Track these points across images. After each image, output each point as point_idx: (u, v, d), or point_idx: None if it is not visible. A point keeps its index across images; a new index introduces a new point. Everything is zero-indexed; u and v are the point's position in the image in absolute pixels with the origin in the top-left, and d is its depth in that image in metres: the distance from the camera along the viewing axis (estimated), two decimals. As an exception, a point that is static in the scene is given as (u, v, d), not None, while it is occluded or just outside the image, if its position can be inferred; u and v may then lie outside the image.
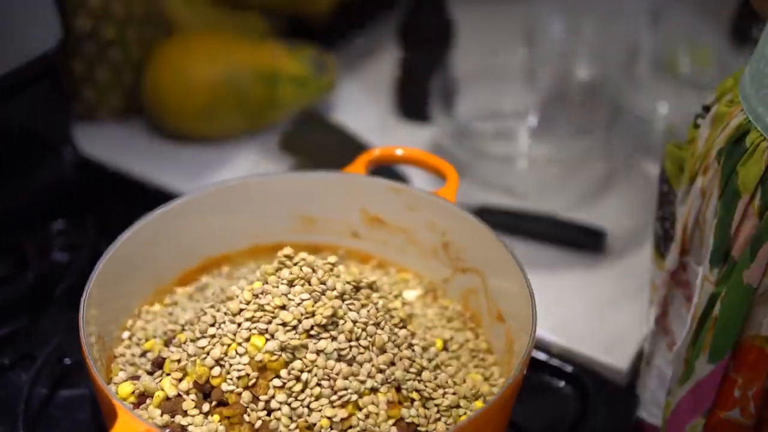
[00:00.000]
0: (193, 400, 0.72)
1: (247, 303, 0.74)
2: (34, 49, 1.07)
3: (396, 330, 0.77)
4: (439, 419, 0.74)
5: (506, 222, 1.09)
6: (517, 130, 1.22)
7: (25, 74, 1.07)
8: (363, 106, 1.29)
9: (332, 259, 0.77)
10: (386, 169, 1.08)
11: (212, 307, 0.76)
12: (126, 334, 0.82)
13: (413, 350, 0.76)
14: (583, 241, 1.08)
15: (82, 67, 1.18)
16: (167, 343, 0.78)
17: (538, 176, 1.15)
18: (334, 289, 0.75)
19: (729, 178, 0.70)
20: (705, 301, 0.73)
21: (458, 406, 0.75)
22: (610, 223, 1.11)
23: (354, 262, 0.91)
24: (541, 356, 0.96)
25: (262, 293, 0.74)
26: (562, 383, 0.94)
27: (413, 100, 1.24)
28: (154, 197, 0.86)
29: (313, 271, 0.76)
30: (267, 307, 0.73)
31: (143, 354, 0.79)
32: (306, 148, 1.16)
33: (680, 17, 1.33)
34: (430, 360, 0.77)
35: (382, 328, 0.75)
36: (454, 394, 0.76)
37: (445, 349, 0.81)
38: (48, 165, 1.15)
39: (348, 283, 0.76)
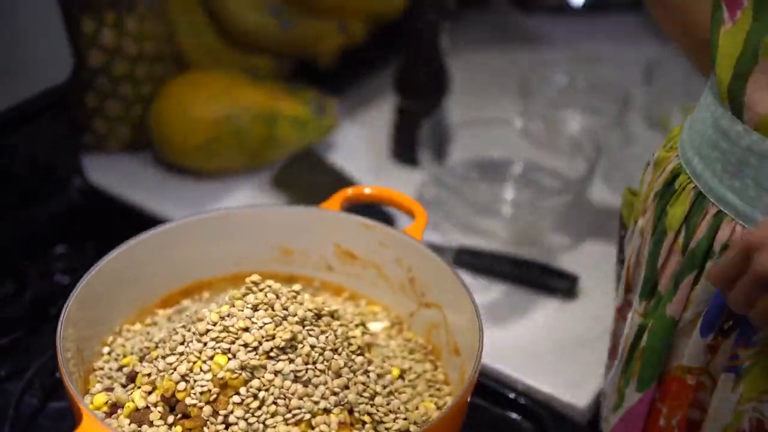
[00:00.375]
0: (159, 412, 0.78)
1: (214, 324, 0.80)
2: (47, 81, 1.14)
3: (353, 356, 0.82)
4: (388, 442, 0.79)
5: (484, 264, 1.14)
6: (503, 177, 1.28)
7: (37, 105, 1.14)
8: (360, 149, 1.35)
9: (297, 287, 0.83)
10: (377, 210, 1.14)
11: (183, 327, 0.82)
12: (106, 350, 0.88)
13: (368, 376, 0.82)
14: (555, 285, 1.13)
15: (94, 100, 1.26)
16: (142, 359, 0.84)
17: (518, 222, 1.20)
18: (296, 315, 0.80)
19: (660, 217, 0.76)
20: (634, 333, 0.78)
21: (408, 431, 0.81)
22: (585, 269, 1.16)
23: (328, 294, 0.96)
24: (504, 391, 1.01)
25: (228, 316, 0.80)
26: (520, 418, 0.99)
27: (407, 146, 1.30)
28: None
29: (277, 297, 0.81)
30: (231, 329, 0.79)
31: (120, 368, 0.85)
32: (298, 185, 1.23)
33: (674, 74, 1.38)
34: (384, 386, 0.82)
35: (339, 354, 0.81)
36: (405, 419, 0.81)
37: (401, 377, 0.86)
38: (57, 192, 1.22)
39: (309, 310, 0.81)
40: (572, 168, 1.25)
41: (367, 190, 0.95)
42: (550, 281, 1.13)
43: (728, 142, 0.70)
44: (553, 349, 1.07)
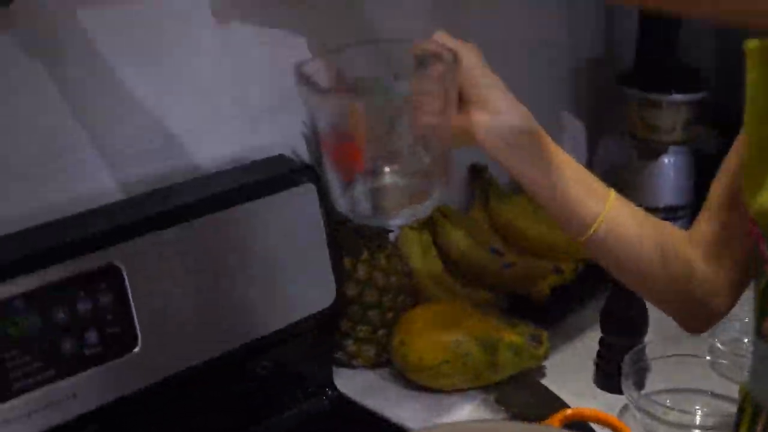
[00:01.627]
0: None
1: None
2: (312, 308, 1.39)
3: None
4: None
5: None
6: (693, 405, 1.45)
7: (302, 326, 1.39)
8: (569, 375, 1.54)
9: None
10: (585, 426, 1.33)
11: None
12: None
13: None
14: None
15: (347, 324, 1.50)
16: None
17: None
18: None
19: None
20: None
21: None
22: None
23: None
24: None
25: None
26: None
27: (609, 375, 1.49)
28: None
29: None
30: None
31: None
32: (516, 403, 1.43)
33: None
34: None
35: None
36: None
37: None
38: (312, 399, 1.46)
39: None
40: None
41: (586, 412, 1.15)
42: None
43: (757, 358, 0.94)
44: None
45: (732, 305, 1.13)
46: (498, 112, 1.00)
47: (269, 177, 1.34)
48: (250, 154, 1.42)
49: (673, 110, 1.90)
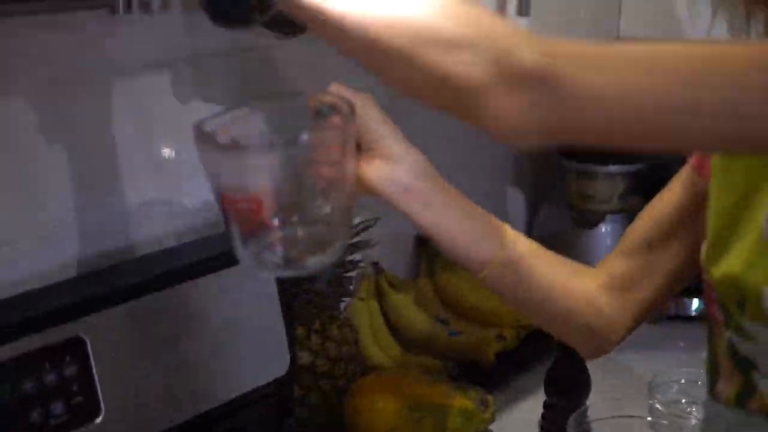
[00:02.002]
0: None
1: None
2: (267, 376, 1.44)
3: None
4: None
5: None
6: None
7: (258, 394, 1.43)
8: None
9: None
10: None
11: None
12: None
13: None
14: None
15: (299, 391, 1.54)
16: None
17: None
18: None
19: None
20: None
21: None
22: None
23: None
24: None
25: None
26: None
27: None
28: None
29: None
30: None
31: None
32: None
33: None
34: None
35: None
36: None
37: None
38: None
39: None
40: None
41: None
42: None
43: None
44: None
45: (625, 337, 1.19)
46: (395, 160, 1.02)
47: (225, 250, 1.38)
48: (208, 227, 1.47)
49: (609, 181, 1.99)
